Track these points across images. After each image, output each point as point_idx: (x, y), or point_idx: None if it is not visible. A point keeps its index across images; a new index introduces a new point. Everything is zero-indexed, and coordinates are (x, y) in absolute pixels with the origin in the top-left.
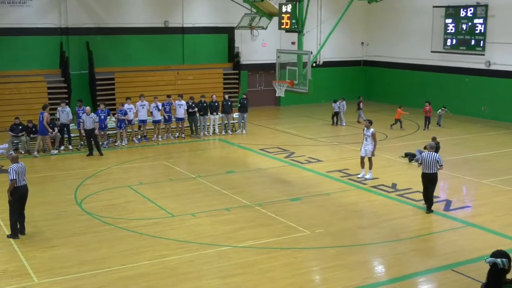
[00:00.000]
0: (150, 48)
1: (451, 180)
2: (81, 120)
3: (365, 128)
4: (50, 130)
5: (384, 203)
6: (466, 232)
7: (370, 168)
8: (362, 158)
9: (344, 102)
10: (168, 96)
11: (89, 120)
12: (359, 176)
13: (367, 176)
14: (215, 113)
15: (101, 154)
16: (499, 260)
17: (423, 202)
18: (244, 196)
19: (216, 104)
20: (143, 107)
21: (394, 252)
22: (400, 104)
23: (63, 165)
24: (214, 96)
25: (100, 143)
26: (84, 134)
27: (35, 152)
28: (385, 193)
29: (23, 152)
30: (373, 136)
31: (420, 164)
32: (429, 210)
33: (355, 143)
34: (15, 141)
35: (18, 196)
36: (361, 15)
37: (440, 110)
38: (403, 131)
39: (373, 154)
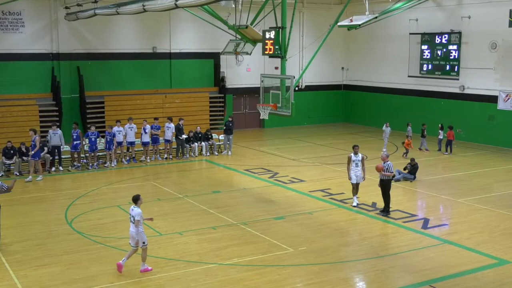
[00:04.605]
0: (139, 73)
1: (429, 199)
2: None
3: (353, 154)
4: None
5: (365, 222)
6: (443, 249)
7: (357, 192)
8: (354, 185)
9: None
10: (155, 118)
11: None
12: (353, 205)
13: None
14: (199, 142)
15: None
16: None
17: (403, 220)
18: (229, 215)
19: (200, 135)
20: (131, 130)
21: (374, 268)
22: (407, 135)
23: (54, 186)
24: (198, 128)
25: (91, 164)
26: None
27: (30, 177)
28: (365, 211)
29: (17, 174)
30: (363, 161)
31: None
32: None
33: (336, 163)
34: (7, 163)
35: None
36: (341, 42)
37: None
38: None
39: (363, 179)
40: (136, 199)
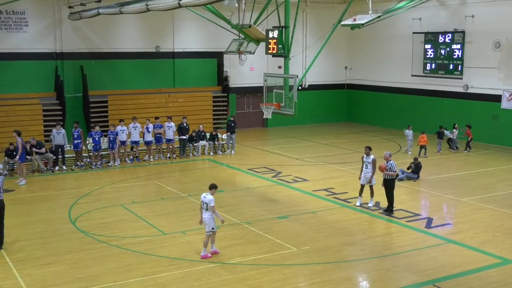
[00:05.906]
0: (142, 72)
1: (432, 198)
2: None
3: (365, 155)
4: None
5: (368, 221)
6: (447, 249)
7: (372, 195)
8: (363, 186)
9: (409, 132)
10: (156, 118)
11: None
12: (356, 204)
13: (370, 204)
14: (202, 141)
15: None
16: None
17: (406, 220)
18: (233, 214)
19: (203, 133)
20: (135, 129)
21: (377, 268)
22: (423, 130)
23: (57, 185)
24: (201, 126)
25: (94, 163)
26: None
27: (23, 180)
28: (368, 211)
29: (19, 173)
30: (374, 162)
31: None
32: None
33: (339, 163)
34: (10, 162)
35: None
36: (345, 41)
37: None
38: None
39: (371, 182)
40: (211, 187)
